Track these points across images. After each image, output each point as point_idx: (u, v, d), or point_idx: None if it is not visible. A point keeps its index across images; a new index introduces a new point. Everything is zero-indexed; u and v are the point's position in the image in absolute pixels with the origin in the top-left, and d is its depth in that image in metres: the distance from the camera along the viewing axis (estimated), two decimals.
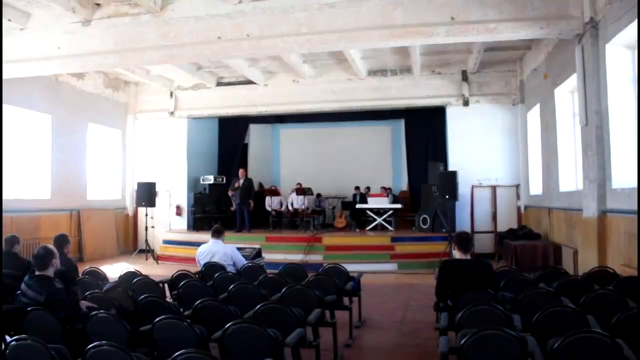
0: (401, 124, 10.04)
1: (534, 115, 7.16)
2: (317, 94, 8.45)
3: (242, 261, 4.11)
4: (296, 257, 6.80)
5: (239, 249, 4.38)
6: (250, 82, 8.55)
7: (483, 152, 7.74)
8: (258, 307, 2.48)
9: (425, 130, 8.82)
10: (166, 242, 8.19)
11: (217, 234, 4.13)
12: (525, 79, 7.56)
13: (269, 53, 5.93)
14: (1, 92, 5.66)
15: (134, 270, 3.74)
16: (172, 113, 9.10)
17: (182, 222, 8.84)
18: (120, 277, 3.60)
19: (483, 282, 2.75)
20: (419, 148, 8.92)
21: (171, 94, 9.11)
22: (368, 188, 9.79)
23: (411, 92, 8.11)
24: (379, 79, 8.22)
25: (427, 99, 8.07)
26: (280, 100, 8.59)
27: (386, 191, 9.14)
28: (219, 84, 8.86)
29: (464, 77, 7.94)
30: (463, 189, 7.39)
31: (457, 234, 3.05)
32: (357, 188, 9.62)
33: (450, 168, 7.68)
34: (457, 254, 2.95)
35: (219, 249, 4.06)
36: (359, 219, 8.89)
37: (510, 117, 7.76)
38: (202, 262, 4.04)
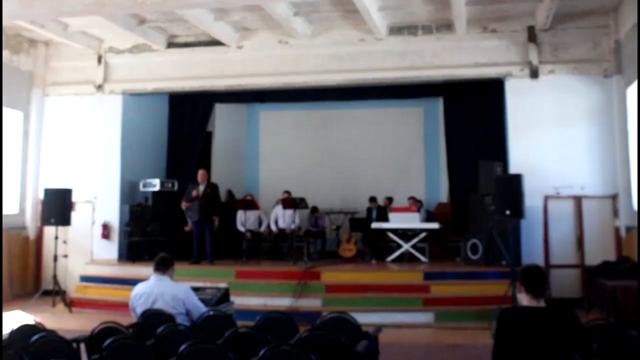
0: (438, 105, 10.04)
1: (637, 91, 7.14)
2: (314, 61, 8.46)
3: (199, 308, 4.07)
4: (282, 302, 6.77)
5: (196, 289, 4.35)
6: (216, 43, 8.56)
7: (561, 146, 7.71)
8: None
9: (474, 114, 8.82)
10: (85, 279, 8.12)
11: (162, 267, 4.10)
12: (623, 38, 7.54)
13: (244, 1, 5.88)
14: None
15: (33, 322, 3.69)
16: (99, 87, 9.08)
17: (111, 249, 8.78)
18: (12, 332, 3.54)
19: (565, 343, 2.69)
20: (465, 140, 8.91)
21: (99, 60, 9.10)
22: (389, 199, 9.76)
23: (453, 58, 8.12)
24: (405, 40, 8.22)
25: (477, 69, 8.07)
26: (260, 69, 8.60)
27: (416, 204, 9.12)
28: (170, 45, 8.88)
29: (531, 36, 7.93)
30: (532, 201, 7.35)
31: (524, 269, 3.02)
32: (372, 199, 9.60)
33: (512, 170, 7.64)
34: (524, 300, 2.91)
35: (165, 290, 4.01)
36: (375, 245, 8.85)
37: (601, 95, 7.74)
38: (140, 310, 4.00)
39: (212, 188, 8.32)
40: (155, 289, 4.01)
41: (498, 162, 7.79)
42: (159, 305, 3.92)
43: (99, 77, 9.08)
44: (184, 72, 8.82)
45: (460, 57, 8.10)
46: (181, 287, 4.08)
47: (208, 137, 10.48)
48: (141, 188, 9.04)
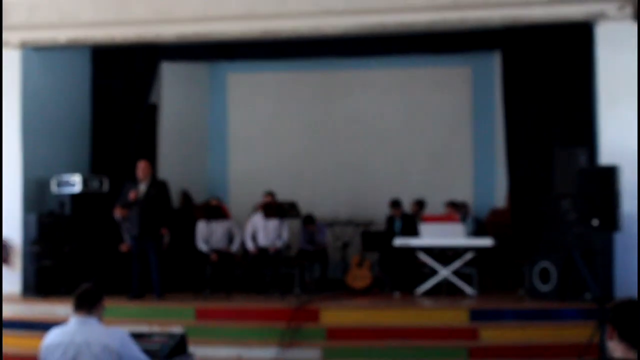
0: (494, 63, 10.07)
1: None
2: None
3: None
4: (264, 354, 6.82)
5: (137, 336, 4.38)
6: None
7: None
8: None
9: (547, 76, 8.84)
10: None
11: (87, 306, 4.11)
12: None
13: None
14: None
15: None
16: None
17: (12, 279, 8.78)
18: None
19: None
20: (534, 116, 8.94)
21: None
22: (420, 204, 9.79)
23: None
24: None
25: (553, 8, 8.06)
26: (227, 10, 8.59)
27: (459, 210, 9.17)
28: None
29: None
30: (633, 205, 7.37)
31: (617, 306, 3.02)
32: (395, 204, 9.63)
33: (604, 160, 7.70)
34: (617, 350, 2.93)
35: (91, 338, 4.02)
36: (399, 271, 8.91)
37: None
38: None
39: (158, 188, 8.32)
40: (78, 337, 4.00)
41: (582, 149, 7.80)
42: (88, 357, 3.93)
43: None
44: (114, 14, 8.74)
45: None
46: (116, 334, 4.08)
47: (152, 111, 10.48)
48: (54, 189, 9.05)
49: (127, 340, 4.07)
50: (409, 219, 9.37)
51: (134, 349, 4.09)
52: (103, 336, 4.02)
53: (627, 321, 2.90)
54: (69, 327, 4.08)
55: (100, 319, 4.13)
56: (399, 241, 8.68)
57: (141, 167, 8.35)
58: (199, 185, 10.74)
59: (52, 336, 4.10)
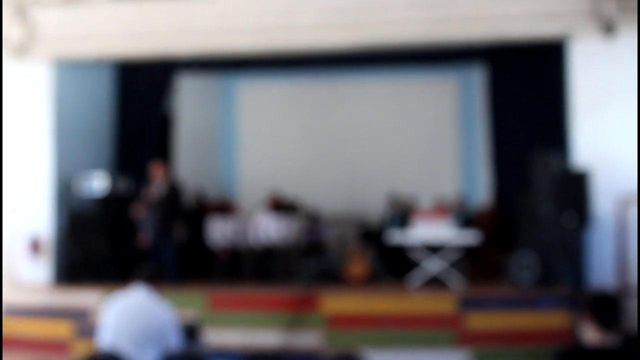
0: (475, 74, 10.09)
1: None
2: (308, 17, 8.43)
3: (176, 342, 4.42)
4: (269, 339, 6.84)
5: None
6: None
7: None
8: None
9: (525, 87, 8.85)
10: (9, 310, 8.08)
11: (147, 280, 4.57)
12: None
13: None
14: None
15: None
16: (21, 52, 9.04)
17: (44, 269, 8.81)
18: None
19: None
20: (515, 122, 8.94)
21: (18, 11, 9.05)
22: (411, 201, 9.76)
23: (498, 11, 8.11)
24: None
25: (529, 26, 8.06)
26: (236, 27, 8.58)
27: (448, 208, 9.13)
28: None
29: None
30: (603, 204, 7.38)
31: (590, 294, 3.05)
32: (390, 202, 9.65)
33: (578, 162, 7.69)
34: (590, 334, 2.93)
35: (145, 303, 4.43)
36: (393, 263, 8.90)
37: None
38: (111, 325, 4.37)
39: (172, 188, 8.37)
40: (136, 300, 4.45)
41: (559, 152, 7.79)
42: (139, 319, 4.32)
43: (20, 39, 9.02)
44: (135, 31, 8.71)
45: (508, 10, 7.99)
46: (166, 307, 4.48)
47: (169, 119, 10.49)
48: (83, 189, 9.03)
49: (172, 314, 4.55)
50: (401, 215, 9.36)
51: (174, 323, 4.53)
52: (155, 304, 4.52)
53: (599, 307, 2.94)
54: (130, 292, 4.60)
55: (155, 294, 4.57)
56: (392, 235, 8.67)
57: (156, 169, 8.41)
58: (211, 185, 10.78)
59: (117, 297, 4.64)
